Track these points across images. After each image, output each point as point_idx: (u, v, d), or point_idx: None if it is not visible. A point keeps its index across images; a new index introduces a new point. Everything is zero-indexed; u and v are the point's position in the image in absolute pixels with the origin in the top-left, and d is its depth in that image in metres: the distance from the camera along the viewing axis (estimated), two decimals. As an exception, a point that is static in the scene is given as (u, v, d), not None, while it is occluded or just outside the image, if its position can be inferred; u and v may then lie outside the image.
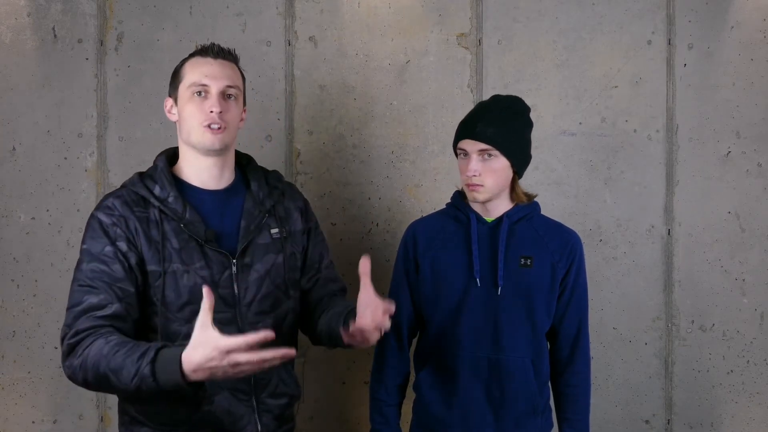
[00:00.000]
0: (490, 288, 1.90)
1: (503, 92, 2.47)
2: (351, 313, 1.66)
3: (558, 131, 2.52)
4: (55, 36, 2.60)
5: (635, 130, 2.51)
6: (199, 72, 1.69)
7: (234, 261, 1.68)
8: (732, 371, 2.51)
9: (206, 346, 1.39)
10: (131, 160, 2.58)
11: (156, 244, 1.64)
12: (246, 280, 1.69)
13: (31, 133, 2.60)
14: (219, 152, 1.72)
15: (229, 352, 1.37)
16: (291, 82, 2.55)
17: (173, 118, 1.77)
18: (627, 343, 2.53)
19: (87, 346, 1.52)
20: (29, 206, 2.59)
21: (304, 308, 1.86)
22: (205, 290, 1.42)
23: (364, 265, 1.58)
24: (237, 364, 1.39)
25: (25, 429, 2.60)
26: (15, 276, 2.60)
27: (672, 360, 2.52)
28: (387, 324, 1.58)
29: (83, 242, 1.66)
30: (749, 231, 2.50)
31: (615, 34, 2.52)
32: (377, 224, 2.57)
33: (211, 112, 1.68)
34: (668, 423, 2.52)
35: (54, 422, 2.61)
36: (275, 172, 1.89)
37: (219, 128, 1.68)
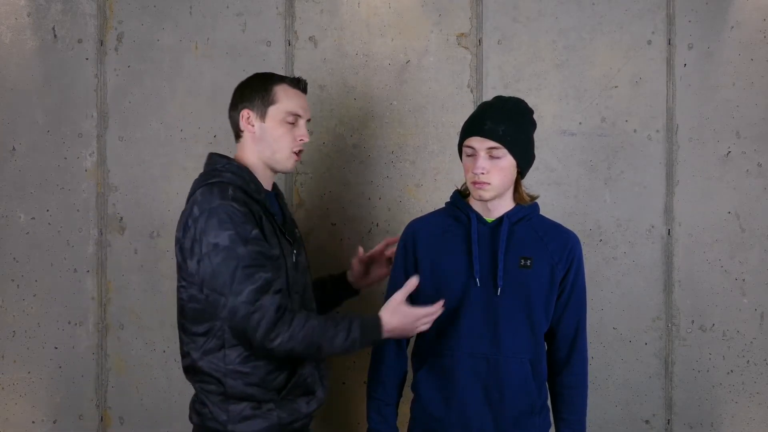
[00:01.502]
0: (489, 288, 1.90)
1: (503, 92, 2.47)
2: (340, 275, 2.21)
3: (558, 131, 2.52)
4: (55, 36, 2.60)
5: (635, 130, 2.51)
6: (295, 103, 1.92)
7: (294, 251, 1.95)
8: (732, 371, 2.51)
9: (404, 314, 1.84)
10: (131, 160, 2.59)
11: (269, 235, 1.86)
12: (300, 267, 1.97)
13: (31, 133, 2.60)
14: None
15: (422, 317, 1.85)
16: (291, 82, 2.55)
17: (251, 130, 1.92)
18: (627, 343, 2.52)
19: (290, 321, 1.78)
20: (29, 206, 2.60)
21: None
22: (414, 279, 1.87)
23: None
24: (427, 323, 1.86)
25: (25, 429, 2.60)
26: (15, 276, 2.60)
27: (672, 360, 2.52)
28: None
29: (222, 230, 1.77)
30: (749, 231, 2.50)
31: (615, 34, 2.52)
32: (377, 224, 2.57)
33: (301, 140, 1.93)
34: (668, 423, 2.52)
35: (54, 422, 2.61)
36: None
37: (300, 152, 1.95)
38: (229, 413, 1.84)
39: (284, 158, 1.92)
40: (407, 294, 1.85)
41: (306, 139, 1.94)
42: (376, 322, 1.84)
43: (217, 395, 1.85)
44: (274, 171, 1.96)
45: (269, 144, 1.91)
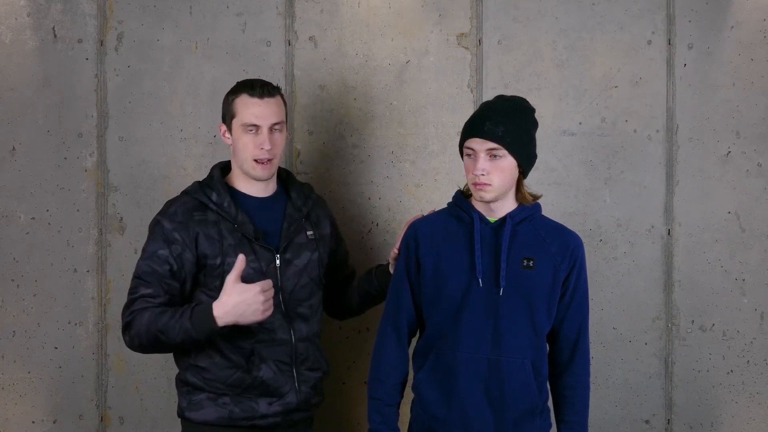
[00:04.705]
0: (491, 288, 1.90)
1: (503, 92, 2.46)
2: (378, 267, 2.20)
3: (558, 131, 2.52)
4: (55, 36, 2.60)
5: (635, 130, 2.51)
6: (249, 113, 1.98)
7: (278, 256, 2.01)
8: (732, 371, 2.50)
9: (239, 291, 1.81)
10: (131, 160, 2.59)
11: (215, 242, 1.96)
12: (287, 272, 2.02)
13: (31, 133, 2.60)
14: (267, 179, 2.05)
15: (257, 293, 1.82)
16: (291, 82, 2.55)
17: (228, 142, 2.06)
18: (627, 343, 2.52)
19: (138, 319, 1.90)
20: (29, 206, 2.60)
21: (336, 296, 2.25)
22: (241, 257, 1.84)
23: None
24: (265, 300, 1.83)
25: (25, 429, 2.60)
26: (15, 276, 2.60)
27: (672, 360, 2.52)
28: None
29: (147, 240, 2.00)
30: (749, 231, 2.49)
31: (615, 34, 2.52)
32: (377, 224, 2.57)
33: (262, 149, 1.97)
34: (668, 423, 2.52)
35: (54, 422, 2.61)
36: (308, 184, 2.21)
37: (269, 160, 1.99)
38: (190, 402, 2.02)
39: (249, 167, 2.01)
40: (239, 273, 1.84)
41: (266, 146, 1.97)
42: (206, 308, 1.85)
43: (184, 386, 2.04)
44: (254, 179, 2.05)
45: (238, 155, 2.03)
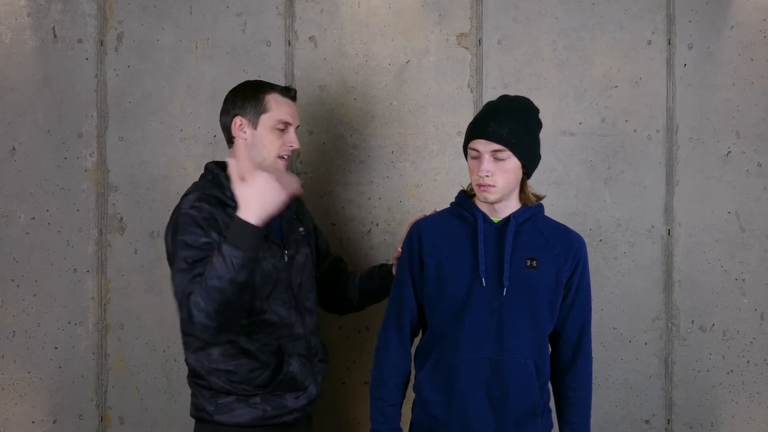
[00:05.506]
0: (495, 288, 1.89)
1: (503, 92, 2.47)
2: (381, 267, 2.20)
3: (558, 131, 2.52)
4: (55, 36, 2.60)
5: (635, 130, 2.51)
6: (285, 111, 2.02)
7: (286, 252, 2.03)
8: (732, 371, 2.51)
9: (245, 187, 1.76)
10: (131, 160, 2.59)
11: None
12: (294, 267, 2.05)
13: (31, 133, 2.60)
14: None
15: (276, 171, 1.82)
16: (291, 82, 2.55)
17: (243, 136, 2.01)
18: (627, 343, 2.53)
19: (194, 287, 1.81)
20: (29, 206, 2.59)
21: (328, 287, 2.24)
22: (232, 161, 1.87)
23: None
24: (277, 177, 1.78)
25: (25, 429, 2.60)
26: (15, 276, 2.60)
27: (672, 360, 2.52)
28: None
29: (177, 235, 1.90)
30: (749, 231, 2.50)
31: (615, 34, 2.52)
32: (377, 224, 2.57)
33: (291, 146, 2.02)
34: (668, 423, 2.52)
35: (54, 422, 2.61)
36: None
37: (289, 157, 2.04)
38: (216, 405, 1.97)
39: (272, 162, 2.02)
40: (239, 177, 1.79)
41: (295, 146, 2.03)
42: (235, 223, 1.78)
43: (206, 389, 1.99)
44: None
45: (260, 150, 2.01)
